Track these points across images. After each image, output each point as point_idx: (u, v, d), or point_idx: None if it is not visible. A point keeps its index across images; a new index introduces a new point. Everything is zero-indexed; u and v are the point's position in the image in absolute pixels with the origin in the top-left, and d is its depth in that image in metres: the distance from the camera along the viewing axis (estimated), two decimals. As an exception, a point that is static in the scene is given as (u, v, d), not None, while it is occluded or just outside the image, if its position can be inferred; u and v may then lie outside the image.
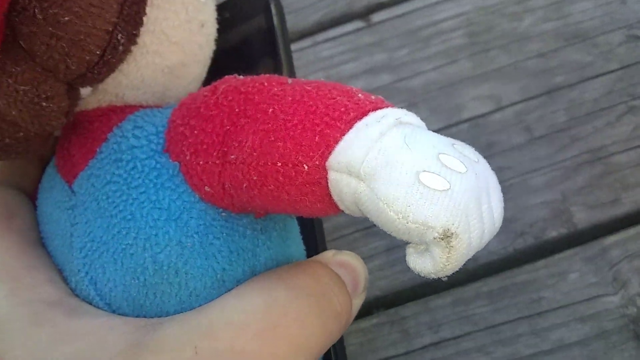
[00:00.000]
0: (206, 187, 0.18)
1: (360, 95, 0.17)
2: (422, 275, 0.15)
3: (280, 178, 0.16)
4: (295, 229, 0.23)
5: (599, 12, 0.42)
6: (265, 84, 0.17)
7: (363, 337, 0.36)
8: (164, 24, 0.19)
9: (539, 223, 0.38)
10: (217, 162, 0.17)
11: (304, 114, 0.16)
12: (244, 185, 0.17)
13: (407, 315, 0.36)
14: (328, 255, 0.21)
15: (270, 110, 0.17)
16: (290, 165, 0.16)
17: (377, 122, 0.15)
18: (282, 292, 0.18)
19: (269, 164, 0.16)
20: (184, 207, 0.18)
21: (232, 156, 0.17)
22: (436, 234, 0.14)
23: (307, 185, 0.16)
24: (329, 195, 0.16)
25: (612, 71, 0.40)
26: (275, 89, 0.17)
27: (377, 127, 0.15)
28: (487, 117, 0.40)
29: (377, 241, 0.38)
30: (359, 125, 0.15)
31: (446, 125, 0.40)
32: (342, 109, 0.16)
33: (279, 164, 0.16)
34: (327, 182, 0.16)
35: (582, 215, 0.37)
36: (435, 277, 0.14)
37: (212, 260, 0.18)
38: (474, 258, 0.36)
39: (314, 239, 0.31)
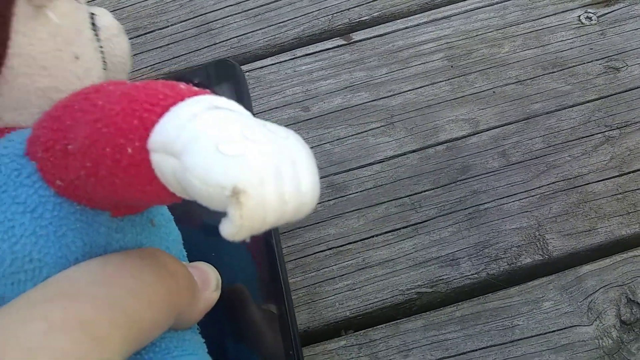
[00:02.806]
0: (57, 181, 0.19)
1: (182, 87, 0.18)
2: (228, 238, 0.15)
3: (109, 162, 0.17)
4: (169, 236, 0.24)
5: (577, 42, 0.42)
6: (104, 85, 0.19)
7: (330, 359, 0.34)
8: (29, 49, 0.21)
9: (513, 249, 0.37)
10: (61, 156, 0.19)
11: (126, 103, 0.17)
12: (82, 173, 0.18)
13: (377, 338, 0.35)
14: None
15: (100, 102, 0.18)
16: (115, 149, 0.17)
17: (192, 105, 0.17)
18: (117, 256, 0.20)
19: (99, 149, 0.17)
20: (39, 201, 0.20)
21: (70, 147, 0.18)
22: (227, 192, 0.15)
23: (133, 167, 0.17)
24: (156, 177, 0.17)
25: (590, 101, 0.40)
26: (111, 87, 0.19)
27: (190, 109, 0.16)
28: (463, 141, 0.40)
29: (349, 260, 0.37)
30: (175, 108, 0.17)
31: (422, 146, 0.40)
32: (161, 97, 0.17)
33: (107, 149, 0.17)
34: (151, 164, 0.17)
35: (557, 243, 0.37)
36: (238, 239, 0.15)
37: (66, 250, 0.20)
38: (446, 281, 0.35)
39: (274, 258, 0.30)
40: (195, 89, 0.18)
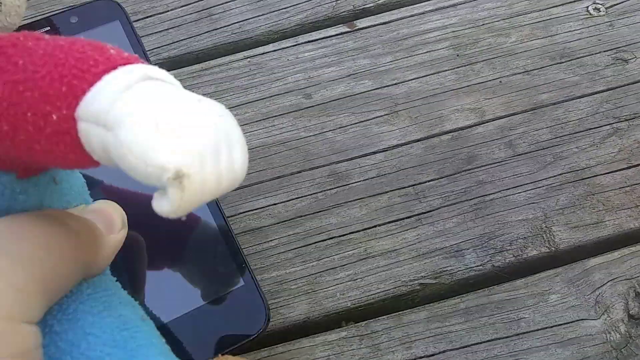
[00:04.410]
0: None
1: (112, 51, 0.17)
2: (163, 215, 0.15)
3: (30, 128, 0.16)
4: (72, 190, 0.23)
5: (586, 33, 0.42)
6: (21, 38, 0.18)
7: (330, 350, 0.33)
8: None
9: (519, 241, 0.36)
10: None
11: (52, 66, 0.16)
12: None
13: (379, 330, 0.34)
14: (79, 209, 0.23)
15: (21, 62, 0.17)
16: (39, 115, 0.16)
17: (125, 75, 0.16)
18: (21, 216, 0.20)
19: (19, 114, 0.16)
20: None
21: None
22: (170, 175, 0.14)
23: (57, 135, 0.16)
24: (81, 146, 0.16)
25: (598, 92, 0.40)
26: (30, 44, 0.17)
27: (124, 80, 0.16)
28: (469, 130, 0.39)
29: (350, 250, 0.36)
30: (108, 77, 0.16)
31: (427, 135, 0.39)
32: (92, 62, 0.16)
33: (29, 114, 0.16)
34: (77, 132, 0.16)
35: (564, 235, 0.36)
36: (174, 217, 0.15)
37: None
38: (450, 273, 0.34)
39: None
40: (125, 54, 0.17)
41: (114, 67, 0.16)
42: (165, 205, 0.15)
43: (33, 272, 0.18)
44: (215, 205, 0.33)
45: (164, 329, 0.30)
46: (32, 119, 0.16)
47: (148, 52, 0.42)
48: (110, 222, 0.23)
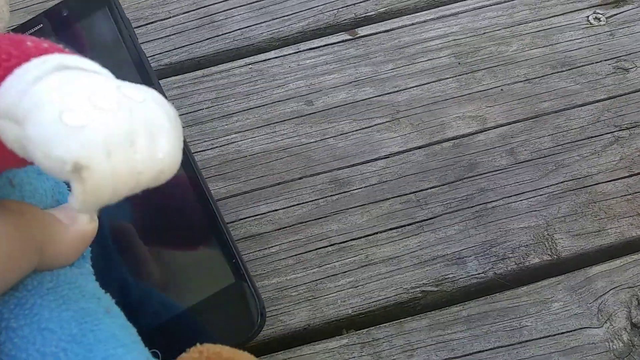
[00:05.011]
0: None
1: (29, 43, 0.16)
2: (77, 210, 0.15)
3: None
4: (34, 194, 0.23)
5: (586, 42, 0.42)
6: None
7: (331, 358, 0.33)
8: None
9: (521, 248, 0.36)
10: None
11: None
12: None
13: (380, 337, 0.33)
14: None
15: None
16: None
17: (37, 66, 0.15)
18: None
19: None
20: None
21: None
22: (69, 167, 0.14)
23: None
24: (1, 143, 0.16)
25: (599, 101, 0.40)
26: None
27: (34, 72, 0.15)
28: (470, 138, 0.39)
29: (351, 256, 0.35)
30: (19, 71, 0.15)
31: (428, 142, 0.39)
32: (4, 56, 0.16)
33: None
34: None
35: (566, 243, 0.36)
36: (84, 213, 0.15)
37: None
38: (452, 280, 0.34)
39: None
40: (45, 45, 0.16)
41: (27, 60, 0.16)
42: (72, 199, 0.14)
43: None
44: (205, 197, 0.32)
45: (152, 331, 0.29)
46: None
47: (149, 58, 0.42)
48: (72, 214, 0.22)
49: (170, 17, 0.44)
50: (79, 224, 0.22)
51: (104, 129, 0.14)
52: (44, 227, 0.21)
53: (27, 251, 0.20)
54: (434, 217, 0.37)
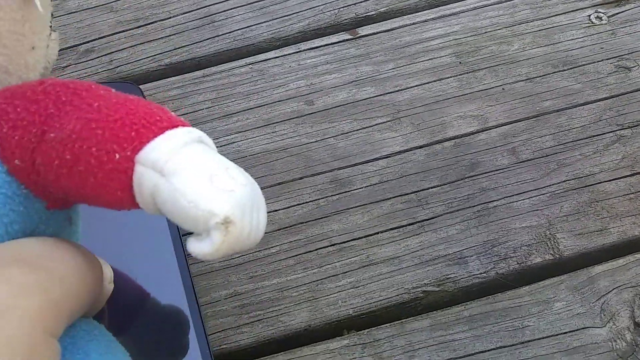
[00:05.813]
0: (17, 160, 0.19)
1: (171, 114, 0.20)
2: (198, 257, 0.18)
3: (92, 161, 0.18)
4: (76, 234, 0.24)
5: (588, 41, 0.42)
6: (93, 87, 0.20)
7: (332, 359, 0.33)
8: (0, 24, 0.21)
9: (523, 248, 0.35)
10: (34, 139, 0.19)
11: (125, 113, 0.19)
12: (55, 162, 0.19)
13: (381, 338, 0.33)
14: None
15: (96, 104, 0.19)
16: (103, 152, 0.18)
17: (184, 134, 0.19)
18: (50, 239, 0.21)
19: (85, 147, 0.18)
20: None
21: (51, 135, 0.19)
22: (219, 220, 0.17)
23: (115, 172, 0.18)
24: (131, 186, 0.18)
25: (600, 99, 0.40)
26: (102, 92, 0.20)
27: (183, 138, 0.19)
28: (472, 137, 0.39)
29: (352, 257, 0.35)
30: (170, 133, 0.19)
31: (429, 142, 0.39)
32: (157, 118, 0.19)
33: (94, 149, 0.18)
34: (133, 173, 0.18)
35: (569, 242, 0.36)
36: (208, 259, 0.18)
37: (3, 229, 0.20)
38: (453, 280, 0.34)
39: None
40: (181, 119, 0.20)
41: (175, 126, 0.19)
42: (205, 247, 0.17)
43: (67, 291, 0.19)
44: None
45: None
46: (97, 154, 0.18)
47: (149, 58, 0.42)
48: (104, 272, 0.24)
49: (170, 17, 0.44)
50: (106, 282, 0.24)
51: (243, 196, 0.18)
52: (100, 279, 0.22)
53: (90, 300, 0.21)
54: (435, 217, 0.36)
